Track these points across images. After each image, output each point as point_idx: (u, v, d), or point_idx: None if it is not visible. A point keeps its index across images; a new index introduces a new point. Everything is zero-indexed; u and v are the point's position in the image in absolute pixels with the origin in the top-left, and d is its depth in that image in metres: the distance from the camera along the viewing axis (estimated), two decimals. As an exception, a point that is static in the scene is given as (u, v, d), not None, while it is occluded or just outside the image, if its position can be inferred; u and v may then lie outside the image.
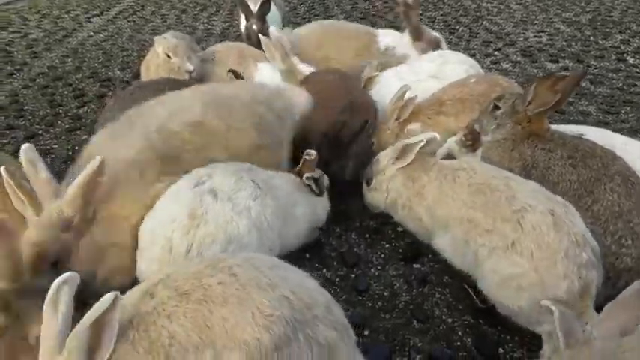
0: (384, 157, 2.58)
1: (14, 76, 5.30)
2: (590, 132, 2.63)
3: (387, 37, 4.33)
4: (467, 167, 2.25)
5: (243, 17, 5.08)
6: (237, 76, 3.37)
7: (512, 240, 1.93)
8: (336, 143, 3.00)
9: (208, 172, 2.18)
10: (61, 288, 1.35)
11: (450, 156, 2.95)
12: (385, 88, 3.59)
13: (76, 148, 3.80)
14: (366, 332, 2.18)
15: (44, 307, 1.34)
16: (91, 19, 7.71)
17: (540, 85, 2.37)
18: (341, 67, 3.85)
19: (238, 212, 2.07)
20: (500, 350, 2.06)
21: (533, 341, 2.10)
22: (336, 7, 8.36)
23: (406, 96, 3.18)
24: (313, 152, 2.49)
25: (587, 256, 1.84)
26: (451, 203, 2.17)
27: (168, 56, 3.70)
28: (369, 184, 2.67)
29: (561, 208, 1.94)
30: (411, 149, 2.43)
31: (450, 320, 2.23)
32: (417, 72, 3.63)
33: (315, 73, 3.52)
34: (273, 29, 3.96)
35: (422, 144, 2.40)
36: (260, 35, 3.85)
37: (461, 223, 2.11)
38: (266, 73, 3.88)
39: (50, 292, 1.35)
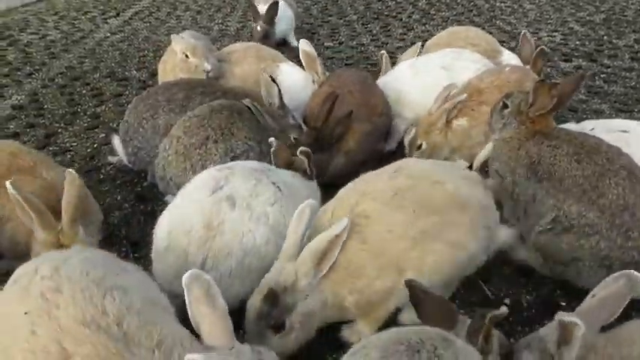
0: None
1: (33, 76, 5.42)
2: (633, 126, 2.69)
3: (511, 60, 4.20)
4: None
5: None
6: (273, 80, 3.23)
7: None
8: (321, 134, 3.07)
9: (227, 173, 2.20)
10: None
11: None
12: (398, 81, 3.72)
13: (95, 145, 3.90)
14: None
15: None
16: (108, 21, 7.84)
17: (538, 89, 2.42)
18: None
19: (256, 219, 2.10)
20: (512, 341, 2.08)
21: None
22: (349, 8, 8.40)
23: (449, 93, 3.24)
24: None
25: None
26: None
27: (187, 56, 3.76)
28: None
29: None
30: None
31: (462, 312, 2.25)
32: (429, 63, 3.71)
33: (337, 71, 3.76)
34: (304, 42, 3.97)
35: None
36: (302, 47, 3.92)
37: None
38: (288, 74, 3.96)
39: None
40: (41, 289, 1.49)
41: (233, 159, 2.66)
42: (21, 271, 1.66)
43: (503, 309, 1.48)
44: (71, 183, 2.15)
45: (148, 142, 3.14)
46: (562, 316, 1.52)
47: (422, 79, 3.62)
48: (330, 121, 3.07)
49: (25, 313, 1.44)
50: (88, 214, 2.46)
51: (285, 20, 6.06)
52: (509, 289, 2.40)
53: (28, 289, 1.52)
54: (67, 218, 2.09)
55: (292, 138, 3.08)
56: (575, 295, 2.29)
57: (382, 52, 4.19)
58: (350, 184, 2.16)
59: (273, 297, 1.83)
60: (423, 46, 4.38)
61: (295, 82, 3.90)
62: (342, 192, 2.14)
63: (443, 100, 3.22)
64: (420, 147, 3.27)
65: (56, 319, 1.42)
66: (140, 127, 3.16)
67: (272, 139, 2.64)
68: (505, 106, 2.62)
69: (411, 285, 1.59)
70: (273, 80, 3.15)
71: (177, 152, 2.76)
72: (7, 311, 1.52)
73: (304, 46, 3.92)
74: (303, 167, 2.55)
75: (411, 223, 1.92)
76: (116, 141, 3.39)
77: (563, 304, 2.29)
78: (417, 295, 1.57)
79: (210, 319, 1.53)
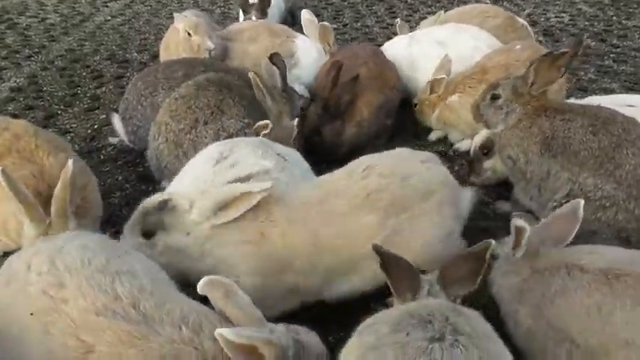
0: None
1: (32, 59, 5.33)
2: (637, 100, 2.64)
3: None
4: None
5: (241, 12, 5.05)
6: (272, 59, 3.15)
7: None
8: (329, 103, 3.05)
9: (231, 145, 2.17)
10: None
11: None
12: (392, 48, 3.80)
13: (95, 126, 3.84)
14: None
15: None
16: (108, 4, 7.72)
17: (540, 65, 2.33)
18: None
19: None
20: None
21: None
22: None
23: (439, 73, 3.27)
24: None
25: None
26: None
27: (189, 34, 3.67)
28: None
29: None
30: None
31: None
32: (427, 35, 3.73)
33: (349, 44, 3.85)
34: (306, 12, 4.09)
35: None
36: (305, 16, 3.97)
37: None
38: (305, 49, 3.92)
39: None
40: (42, 286, 1.42)
41: (227, 139, 2.55)
42: (11, 269, 1.56)
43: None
44: (64, 173, 1.97)
45: (148, 120, 3.06)
46: (516, 221, 1.73)
47: (412, 49, 3.67)
48: (337, 89, 3.03)
49: (31, 314, 1.38)
50: (85, 208, 2.28)
51: (278, 11, 5.89)
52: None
53: (26, 289, 1.44)
54: (55, 210, 1.92)
55: (300, 109, 3.03)
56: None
57: (397, 20, 4.29)
58: (321, 180, 2.05)
59: (161, 204, 1.78)
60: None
61: (313, 55, 3.90)
62: (316, 180, 2.07)
63: (436, 71, 3.27)
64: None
65: (67, 314, 1.36)
66: (139, 105, 3.10)
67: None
68: (495, 97, 2.52)
69: (379, 251, 1.52)
70: (273, 63, 3.07)
71: (167, 140, 2.69)
72: (12, 316, 1.43)
73: (307, 15, 4.03)
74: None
75: (382, 224, 1.84)
76: (116, 119, 3.33)
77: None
78: (385, 259, 1.52)
79: (238, 315, 1.47)
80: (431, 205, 1.92)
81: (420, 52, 3.59)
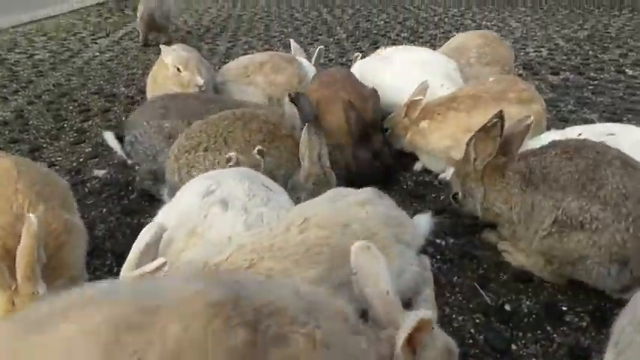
0: None
1: (19, 93, 5.34)
2: (618, 129, 2.68)
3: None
4: None
5: None
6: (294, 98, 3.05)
7: None
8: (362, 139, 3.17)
9: (218, 179, 2.14)
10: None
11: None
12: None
13: (81, 159, 3.82)
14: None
15: None
16: (97, 41, 7.82)
17: (476, 141, 2.42)
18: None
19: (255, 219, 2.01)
20: (513, 347, 2.02)
21: (545, 337, 2.06)
22: (338, 27, 8.49)
23: (416, 96, 3.33)
24: None
25: None
26: None
27: (178, 69, 3.69)
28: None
29: None
30: None
31: (460, 318, 2.18)
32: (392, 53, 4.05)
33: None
34: (292, 41, 4.68)
35: None
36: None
37: None
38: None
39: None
40: None
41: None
42: None
43: None
44: (27, 231, 1.63)
45: (150, 138, 3.06)
46: None
47: (365, 65, 4.07)
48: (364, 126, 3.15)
49: None
50: (60, 271, 1.88)
51: None
52: (508, 295, 2.32)
53: None
54: (20, 276, 1.62)
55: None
56: (576, 299, 2.25)
57: (357, 54, 4.70)
58: (252, 232, 1.87)
59: None
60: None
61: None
62: (248, 237, 1.83)
63: (412, 96, 3.37)
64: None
65: None
66: (145, 122, 3.11)
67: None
68: (455, 197, 2.66)
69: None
70: (293, 102, 2.95)
71: (172, 152, 2.75)
72: None
73: (294, 44, 4.75)
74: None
75: (326, 278, 1.69)
76: (109, 136, 3.29)
77: (564, 308, 2.22)
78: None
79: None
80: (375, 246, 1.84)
81: (369, 68, 3.96)
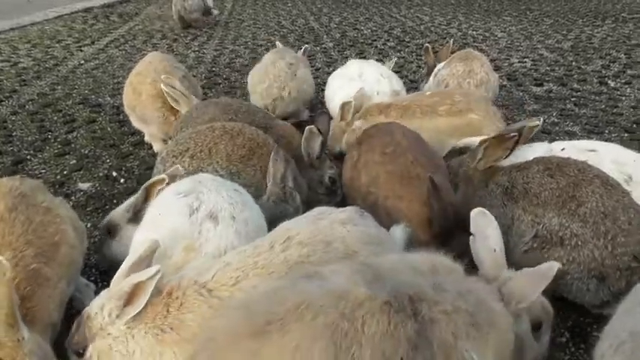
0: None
1: (2, 103, 5.28)
2: (600, 147, 2.72)
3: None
4: None
5: None
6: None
7: None
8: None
9: (195, 194, 2.12)
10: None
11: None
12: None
13: (65, 172, 3.78)
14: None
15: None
16: (82, 48, 7.76)
17: (490, 144, 2.52)
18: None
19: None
20: None
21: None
22: (325, 36, 8.52)
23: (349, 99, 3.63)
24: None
25: None
26: None
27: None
28: None
29: None
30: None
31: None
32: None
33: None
34: (278, 43, 4.79)
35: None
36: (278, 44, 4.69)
37: None
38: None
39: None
40: None
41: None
42: None
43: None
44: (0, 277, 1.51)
45: None
46: None
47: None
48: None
49: None
50: (32, 319, 1.77)
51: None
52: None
53: None
54: (1, 323, 1.54)
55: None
56: (555, 315, 2.27)
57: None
58: (238, 250, 1.87)
59: (77, 322, 1.72)
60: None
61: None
62: (234, 255, 1.83)
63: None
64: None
65: None
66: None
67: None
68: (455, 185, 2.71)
69: None
70: (320, 131, 2.85)
71: (160, 155, 2.81)
72: None
73: (280, 45, 4.85)
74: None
75: None
76: None
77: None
78: None
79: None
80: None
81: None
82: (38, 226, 1.98)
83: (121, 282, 1.71)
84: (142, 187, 2.44)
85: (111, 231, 2.52)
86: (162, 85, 3.66)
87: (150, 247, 1.83)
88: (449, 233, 2.25)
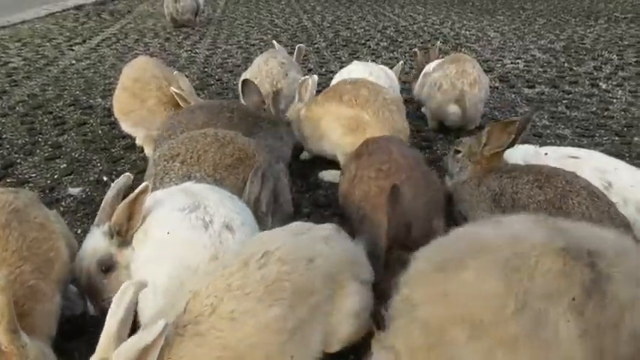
0: None
1: (-7, 104, 5.24)
2: (582, 154, 2.78)
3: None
4: None
5: None
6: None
7: None
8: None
9: (203, 207, 2.08)
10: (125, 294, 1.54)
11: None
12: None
13: (55, 176, 3.76)
14: None
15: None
16: (73, 48, 7.71)
17: (493, 129, 2.61)
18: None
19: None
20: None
21: None
22: (318, 35, 8.50)
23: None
24: None
25: None
26: None
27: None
28: None
29: None
30: None
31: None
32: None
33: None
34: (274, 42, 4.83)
35: None
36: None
37: None
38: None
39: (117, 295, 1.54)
40: None
41: None
42: None
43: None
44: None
45: None
46: None
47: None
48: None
49: None
50: (30, 333, 1.73)
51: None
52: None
53: None
54: (3, 331, 1.55)
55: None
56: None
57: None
58: (204, 273, 1.78)
59: None
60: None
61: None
62: (200, 281, 1.71)
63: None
64: None
65: None
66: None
67: None
68: (456, 152, 2.81)
69: None
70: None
71: (153, 157, 2.83)
72: None
73: (277, 45, 4.90)
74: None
75: (288, 315, 1.64)
76: None
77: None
78: None
79: None
80: (336, 286, 1.81)
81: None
82: (33, 242, 1.96)
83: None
84: (123, 203, 2.07)
85: (106, 269, 2.11)
86: (172, 88, 3.72)
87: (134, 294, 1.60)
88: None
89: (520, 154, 2.86)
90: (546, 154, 2.82)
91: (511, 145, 2.61)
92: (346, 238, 2.01)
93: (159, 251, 1.98)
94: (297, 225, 2.00)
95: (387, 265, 1.92)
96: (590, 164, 2.59)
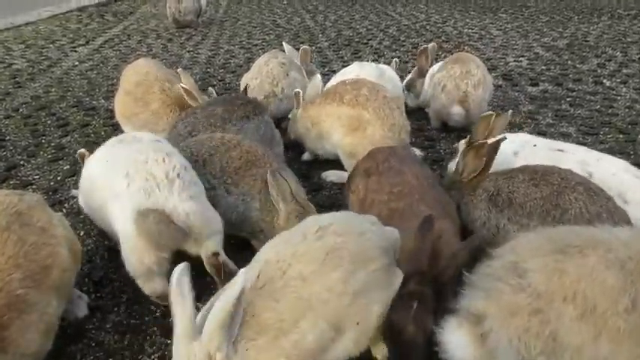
0: None
1: (-4, 106, 5.26)
2: (567, 147, 2.82)
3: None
4: None
5: None
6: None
7: None
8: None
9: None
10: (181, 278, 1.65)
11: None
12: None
13: (58, 178, 3.77)
14: None
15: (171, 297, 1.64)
16: (77, 49, 7.73)
17: (466, 155, 2.59)
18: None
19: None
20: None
21: None
22: (321, 35, 8.49)
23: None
24: None
25: None
26: None
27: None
28: None
29: None
30: None
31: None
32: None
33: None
34: (285, 44, 4.87)
35: None
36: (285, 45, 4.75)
37: None
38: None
39: (173, 283, 1.65)
40: None
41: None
42: None
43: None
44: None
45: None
46: None
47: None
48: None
49: None
50: (12, 346, 1.74)
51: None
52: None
53: None
54: None
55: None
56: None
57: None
58: (269, 247, 1.95)
59: None
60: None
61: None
62: (264, 254, 1.91)
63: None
64: None
65: None
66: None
67: None
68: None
69: None
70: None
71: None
72: None
73: (288, 46, 4.91)
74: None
75: (349, 279, 1.80)
76: None
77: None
78: None
79: None
80: (384, 260, 1.92)
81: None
82: (31, 247, 1.93)
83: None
84: None
85: None
86: (181, 84, 3.75)
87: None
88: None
89: (510, 141, 2.80)
90: (535, 145, 2.86)
91: (485, 168, 2.53)
92: (384, 230, 2.09)
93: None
94: (344, 212, 2.19)
95: (401, 297, 1.86)
96: (575, 157, 2.63)
